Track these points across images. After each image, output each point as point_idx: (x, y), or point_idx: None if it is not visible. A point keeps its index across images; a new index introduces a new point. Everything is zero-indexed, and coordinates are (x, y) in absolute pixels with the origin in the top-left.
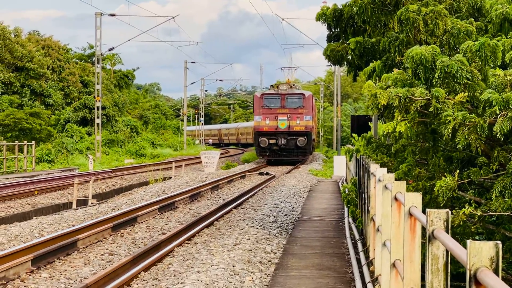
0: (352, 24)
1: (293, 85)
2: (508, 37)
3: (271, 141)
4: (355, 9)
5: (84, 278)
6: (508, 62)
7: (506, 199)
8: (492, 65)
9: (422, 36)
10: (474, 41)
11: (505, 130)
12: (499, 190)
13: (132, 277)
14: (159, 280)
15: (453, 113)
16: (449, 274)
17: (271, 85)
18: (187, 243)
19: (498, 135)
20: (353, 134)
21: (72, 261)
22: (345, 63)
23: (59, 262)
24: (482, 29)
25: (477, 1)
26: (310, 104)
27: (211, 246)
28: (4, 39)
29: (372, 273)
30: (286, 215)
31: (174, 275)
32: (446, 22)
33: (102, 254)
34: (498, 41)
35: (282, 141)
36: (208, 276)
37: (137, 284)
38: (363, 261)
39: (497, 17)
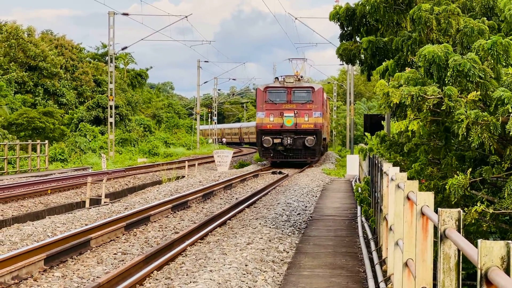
0: (364, 23)
1: (301, 77)
2: None
3: (275, 141)
4: (367, 8)
5: (97, 277)
6: None
7: None
8: (504, 64)
9: (434, 35)
10: (487, 40)
11: None
12: (511, 188)
13: (145, 276)
14: (171, 279)
15: (466, 111)
16: (460, 273)
17: (276, 77)
18: (200, 242)
19: (511, 133)
20: (366, 133)
21: (85, 260)
22: (358, 62)
23: (72, 261)
24: (494, 28)
25: (489, 0)
26: (320, 99)
27: (224, 245)
28: (17, 39)
29: (384, 272)
30: (299, 214)
31: (187, 274)
32: (459, 21)
33: (115, 253)
34: (511, 39)
35: (288, 140)
36: (221, 275)
37: (149, 283)
38: (375, 260)
39: (511, 16)
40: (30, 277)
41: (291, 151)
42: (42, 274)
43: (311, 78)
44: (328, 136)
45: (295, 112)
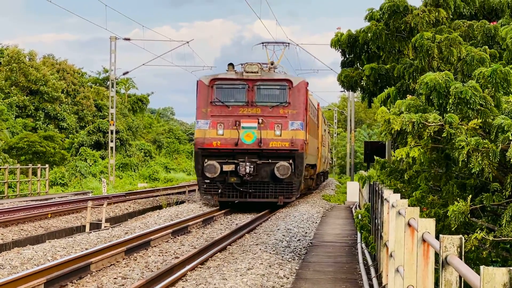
0: (366, 50)
1: (272, 65)
2: None
3: (226, 168)
4: (369, 35)
5: None
6: None
7: None
8: (504, 92)
9: (436, 63)
10: (487, 68)
11: None
12: (510, 215)
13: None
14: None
15: (466, 138)
16: None
17: (230, 64)
18: (200, 267)
19: (511, 160)
20: (367, 168)
21: (85, 285)
22: (359, 89)
23: (72, 286)
24: (496, 56)
25: (490, 28)
26: (303, 99)
27: (224, 270)
28: (19, 63)
29: None
30: (299, 240)
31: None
32: (460, 49)
33: (115, 278)
34: (510, 67)
35: (247, 168)
36: None
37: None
38: (376, 287)
39: None
40: None
41: (252, 185)
42: None
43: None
44: (323, 161)
45: (260, 120)
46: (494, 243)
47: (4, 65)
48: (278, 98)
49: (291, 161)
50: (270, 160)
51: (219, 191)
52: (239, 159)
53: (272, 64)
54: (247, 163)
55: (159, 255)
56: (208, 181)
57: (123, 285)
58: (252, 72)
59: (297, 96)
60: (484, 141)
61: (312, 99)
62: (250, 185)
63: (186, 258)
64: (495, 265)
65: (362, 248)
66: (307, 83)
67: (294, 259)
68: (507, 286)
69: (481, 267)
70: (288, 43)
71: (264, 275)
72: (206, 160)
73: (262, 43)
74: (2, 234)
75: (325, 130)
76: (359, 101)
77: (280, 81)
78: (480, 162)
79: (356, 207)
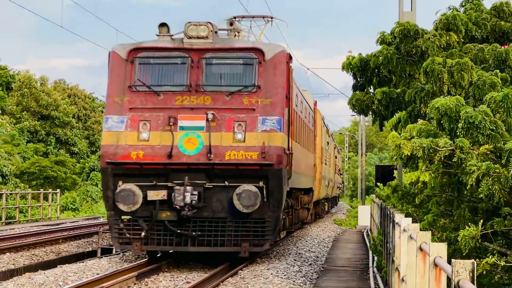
0: (377, 73)
1: (232, 26)
2: None
3: (151, 196)
4: (380, 59)
5: None
6: None
7: None
8: None
9: (447, 87)
10: (501, 92)
11: None
12: None
13: None
14: None
15: (477, 163)
16: None
17: (163, 24)
18: None
19: None
20: (378, 183)
21: None
22: (371, 112)
23: None
24: (507, 80)
25: (502, 52)
26: (281, 82)
27: None
28: (30, 88)
29: None
30: (310, 264)
31: None
32: (471, 73)
33: None
34: None
35: (187, 196)
36: None
37: None
38: None
39: None
40: None
41: (197, 225)
42: None
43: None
44: (326, 184)
45: (210, 116)
46: (507, 268)
47: (16, 90)
48: (241, 79)
49: (262, 183)
50: (227, 183)
51: (142, 234)
52: (175, 181)
53: (231, 24)
54: (188, 188)
55: (170, 280)
56: (118, 219)
57: None
58: (198, 38)
59: (273, 75)
60: (495, 165)
61: (306, 94)
62: (194, 224)
63: (198, 283)
64: None
65: (374, 272)
66: (290, 56)
67: (306, 283)
68: None
69: None
70: (271, 17)
71: None
72: (120, 183)
73: (234, 17)
74: (13, 259)
75: (328, 143)
76: (370, 125)
77: (245, 50)
78: (490, 187)
79: (367, 231)
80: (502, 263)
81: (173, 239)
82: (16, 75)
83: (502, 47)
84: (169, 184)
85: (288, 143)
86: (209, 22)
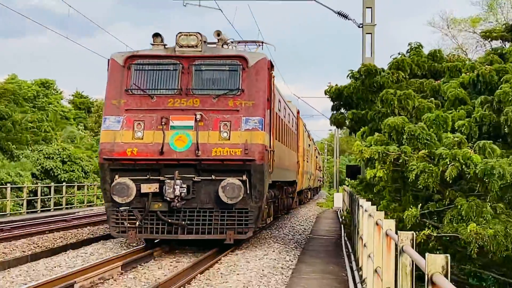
0: (349, 100)
1: (219, 37)
2: (456, 111)
3: (144, 189)
4: (351, 89)
5: None
6: (456, 128)
7: (454, 224)
8: (443, 130)
9: (396, 110)
10: (433, 113)
11: (452, 176)
12: (449, 218)
13: (191, 279)
14: (210, 280)
15: (417, 163)
16: (414, 277)
17: (157, 34)
18: (231, 254)
19: (448, 179)
20: (347, 180)
21: None
22: (344, 127)
23: None
24: (439, 105)
25: (435, 86)
26: (263, 86)
27: (247, 256)
28: None
29: (361, 276)
30: (300, 234)
31: (221, 277)
32: (414, 100)
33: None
34: (449, 113)
35: (177, 189)
36: (245, 278)
37: (195, 283)
38: (354, 267)
39: (451, 96)
40: None
41: (187, 215)
42: None
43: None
44: (308, 177)
45: (198, 117)
46: (438, 237)
47: (94, 112)
48: (227, 84)
49: (244, 177)
50: (214, 176)
51: (137, 223)
52: (166, 175)
53: (219, 35)
54: (178, 181)
55: (158, 268)
56: (116, 209)
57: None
58: (189, 47)
59: (255, 80)
60: (429, 165)
61: (290, 105)
62: (183, 214)
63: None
64: (439, 252)
65: (344, 239)
66: (270, 63)
67: (297, 247)
68: (445, 267)
69: (426, 254)
70: (262, 42)
71: (275, 259)
72: (116, 177)
73: (232, 41)
74: (61, 236)
75: (310, 145)
76: (342, 136)
77: (230, 58)
78: (426, 180)
79: (340, 211)
80: (435, 234)
81: (164, 227)
82: (94, 101)
83: (436, 82)
84: (161, 178)
85: (270, 141)
86: (198, 33)
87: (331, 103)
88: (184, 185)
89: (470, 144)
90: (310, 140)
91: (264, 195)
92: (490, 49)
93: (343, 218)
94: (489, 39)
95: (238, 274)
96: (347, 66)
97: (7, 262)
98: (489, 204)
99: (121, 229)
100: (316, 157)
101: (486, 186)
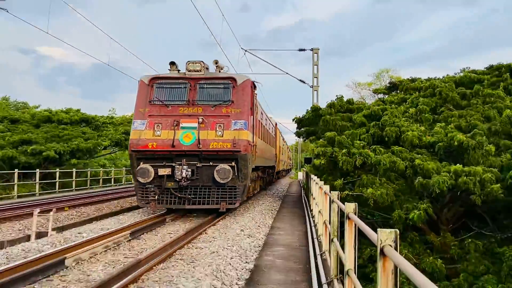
0: (306, 122)
1: (217, 64)
2: (361, 129)
3: (161, 172)
4: (307, 116)
5: None
6: (361, 138)
7: (360, 188)
8: (355, 139)
9: (332, 128)
10: (350, 130)
11: (359, 163)
12: (357, 185)
13: (200, 233)
14: (218, 229)
15: (341, 157)
16: (339, 215)
17: (172, 62)
18: (228, 215)
19: (358, 165)
20: (305, 165)
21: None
22: (303, 137)
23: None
24: (352, 126)
25: (351, 116)
26: (247, 98)
27: (250, 207)
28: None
29: (312, 215)
30: (280, 193)
31: (226, 227)
32: (341, 123)
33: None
34: (358, 130)
35: (183, 172)
36: (243, 224)
37: (203, 234)
38: (309, 210)
39: (359, 121)
40: None
41: (192, 191)
42: None
43: None
44: (283, 163)
45: (200, 120)
46: (352, 195)
47: (117, 124)
48: (221, 97)
49: (233, 163)
50: (211, 163)
51: (156, 197)
52: (176, 162)
53: (216, 63)
54: (184, 167)
55: (171, 229)
56: (142, 187)
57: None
58: (195, 71)
59: (241, 94)
60: (348, 158)
61: (271, 119)
62: (190, 190)
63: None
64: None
65: (303, 196)
66: (253, 82)
67: (280, 200)
68: (355, 209)
69: (346, 203)
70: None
71: (268, 206)
72: (140, 163)
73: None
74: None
75: (284, 145)
76: (302, 142)
77: (224, 79)
78: (347, 165)
79: (301, 181)
80: (351, 193)
81: (175, 200)
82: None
83: (352, 114)
84: (173, 164)
85: (253, 138)
86: (202, 61)
87: (296, 125)
88: (190, 169)
89: (367, 147)
90: (284, 142)
91: (248, 176)
92: (378, 99)
93: (302, 184)
94: (377, 93)
95: (238, 222)
96: (303, 107)
97: (83, 221)
98: (378, 178)
99: (145, 201)
100: (289, 152)
101: (377, 168)
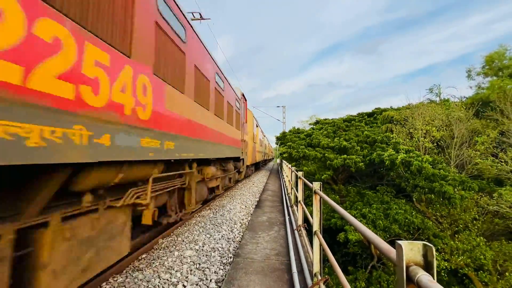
0: (280, 138)
1: None
2: (303, 141)
3: None
4: (280, 136)
5: None
6: (303, 145)
7: (302, 166)
8: (300, 146)
9: (290, 141)
10: (297, 141)
11: (301, 156)
12: (300, 165)
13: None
14: (217, 206)
15: (294, 153)
16: (291, 173)
17: None
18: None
19: (300, 156)
20: (279, 156)
21: None
22: (278, 144)
23: None
24: (299, 139)
25: (298, 135)
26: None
27: (238, 192)
28: None
29: (283, 177)
30: (263, 176)
31: (223, 206)
32: (293, 139)
33: None
34: (300, 141)
35: None
36: (233, 207)
37: (211, 207)
38: (281, 176)
39: (302, 137)
40: None
41: None
42: None
43: None
44: (262, 155)
45: None
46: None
47: None
48: None
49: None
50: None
51: None
52: None
53: None
54: None
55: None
56: None
57: None
58: None
59: None
60: (296, 153)
61: (237, 92)
62: None
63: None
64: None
65: (281, 176)
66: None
67: (263, 182)
68: (320, 187)
69: (313, 183)
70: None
71: (249, 198)
72: None
73: None
74: None
75: (264, 138)
76: (278, 147)
77: None
78: (296, 157)
79: (278, 163)
80: (298, 169)
81: None
82: None
83: (299, 134)
84: None
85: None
86: None
87: (275, 139)
88: None
89: (305, 148)
90: (264, 136)
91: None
92: (311, 128)
93: (279, 165)
94: (310, 125)
95: (230, 204)
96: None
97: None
98: (309, 162)
99: None
100: (270, 145)
101: (309, 158)
